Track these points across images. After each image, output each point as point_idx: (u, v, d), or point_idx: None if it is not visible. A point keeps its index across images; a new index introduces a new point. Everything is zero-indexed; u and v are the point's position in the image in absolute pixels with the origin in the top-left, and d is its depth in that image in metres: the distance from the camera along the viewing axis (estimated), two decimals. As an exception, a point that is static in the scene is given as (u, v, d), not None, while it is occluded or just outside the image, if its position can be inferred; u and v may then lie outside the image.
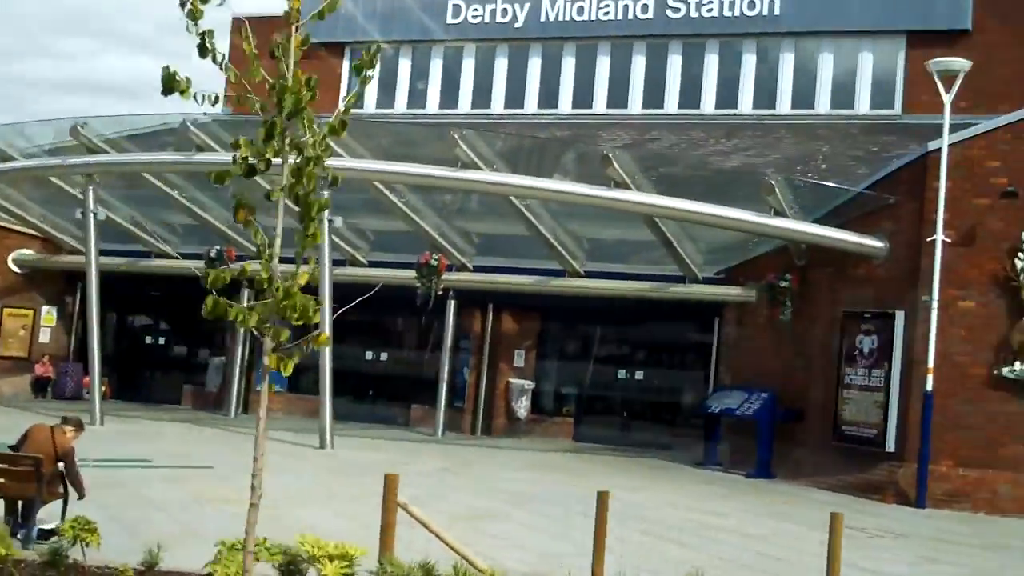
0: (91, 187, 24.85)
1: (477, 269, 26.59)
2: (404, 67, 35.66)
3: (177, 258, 29.94)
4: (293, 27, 6.57)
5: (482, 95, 34.72)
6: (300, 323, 6.56)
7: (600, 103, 33.56)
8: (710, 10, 32.42)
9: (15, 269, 31.39)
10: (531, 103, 34.47)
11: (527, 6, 33.96)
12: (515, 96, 34.71)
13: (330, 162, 7.05)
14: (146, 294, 31.86)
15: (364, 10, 35.40)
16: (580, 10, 33.79)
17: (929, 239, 20.29)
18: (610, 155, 21.76)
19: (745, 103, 31.98)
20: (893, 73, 30.59)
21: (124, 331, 33.30)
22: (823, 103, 31.52)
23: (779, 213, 21.69)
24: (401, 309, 27.63)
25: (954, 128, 20.46)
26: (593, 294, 26.16)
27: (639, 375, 27.27)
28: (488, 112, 33.81)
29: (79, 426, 12.60)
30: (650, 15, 32.84)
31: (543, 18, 34.06)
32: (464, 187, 23.64)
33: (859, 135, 29.62)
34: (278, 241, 6.47)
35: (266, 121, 6.42)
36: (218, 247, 27.99)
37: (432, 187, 24.40)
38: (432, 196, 26.01)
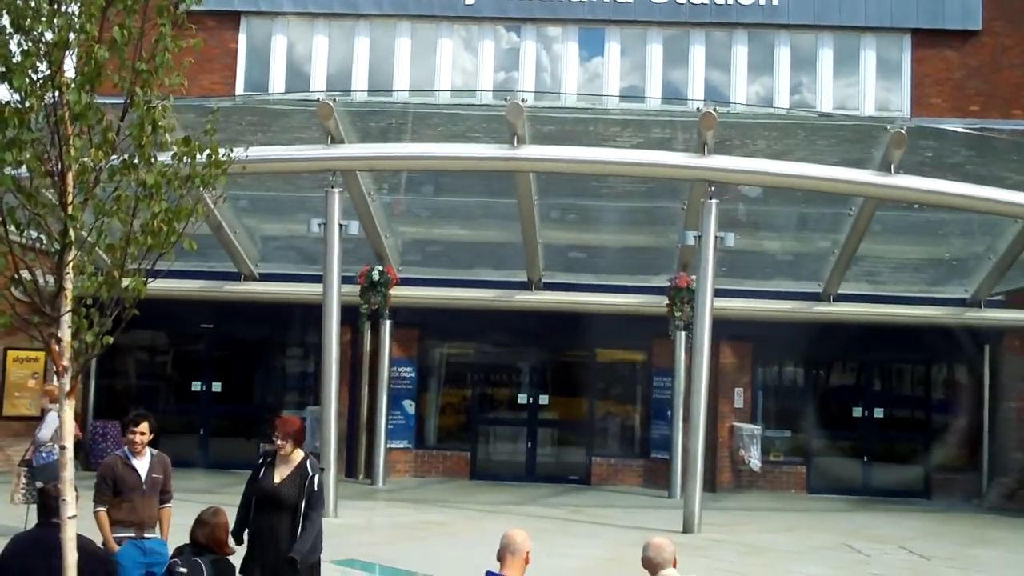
0: (337, 191, 17.86)
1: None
2: (321, 44, 29.13)
3: (257, 279, 23.04)
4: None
5: (422, 81, 28.89)
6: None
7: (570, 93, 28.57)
8: (697, -6, 28.56)
9: (17, 296, 22.68)
10: (486, 91, 28.91)
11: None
12: (466, 83, 29.34)
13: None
14: (193, 328, 24.29)
15: (269, -26, 28.87)
16: (546, -11, 28.88)
17: None
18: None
19: (738, 98, 28.43)
20: (899, 72, 28.37)
21: (163, 376, 25.21)
22: (825, 102, 28.67)
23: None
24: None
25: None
26: (855, 321, 22.50)
27: (877, 412, 23.78)
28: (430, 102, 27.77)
29: None
30: (630, -1, 28.43)
31: (501, -7, 28.83)
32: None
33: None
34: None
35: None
36: (379, 267, 21.51)
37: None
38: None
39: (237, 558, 8.52)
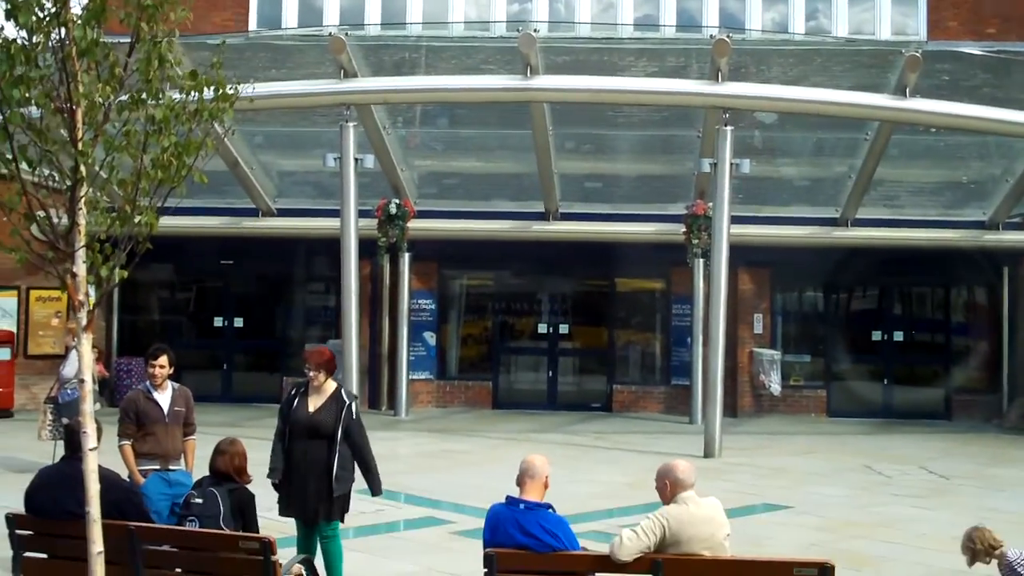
0: (352, 125, 17.89)
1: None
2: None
3: (275, 214, 23.14)
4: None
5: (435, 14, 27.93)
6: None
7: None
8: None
9: (38, 236, 22.81)
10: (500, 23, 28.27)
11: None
12: (480, 15, 28.76)
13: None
14: (214, 264, 24.44)
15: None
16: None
17: None
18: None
19: (754, 25, 27.71)
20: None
21: (185, 312, 25.49)
22: (841, 28, 28.00)
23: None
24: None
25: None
26: (873, 245, 22.49)
27: (897, 336, 23.80)
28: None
29: None
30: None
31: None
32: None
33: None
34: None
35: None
36: (396, 200, 21.54)
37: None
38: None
39: (261, 489, 8.62)
